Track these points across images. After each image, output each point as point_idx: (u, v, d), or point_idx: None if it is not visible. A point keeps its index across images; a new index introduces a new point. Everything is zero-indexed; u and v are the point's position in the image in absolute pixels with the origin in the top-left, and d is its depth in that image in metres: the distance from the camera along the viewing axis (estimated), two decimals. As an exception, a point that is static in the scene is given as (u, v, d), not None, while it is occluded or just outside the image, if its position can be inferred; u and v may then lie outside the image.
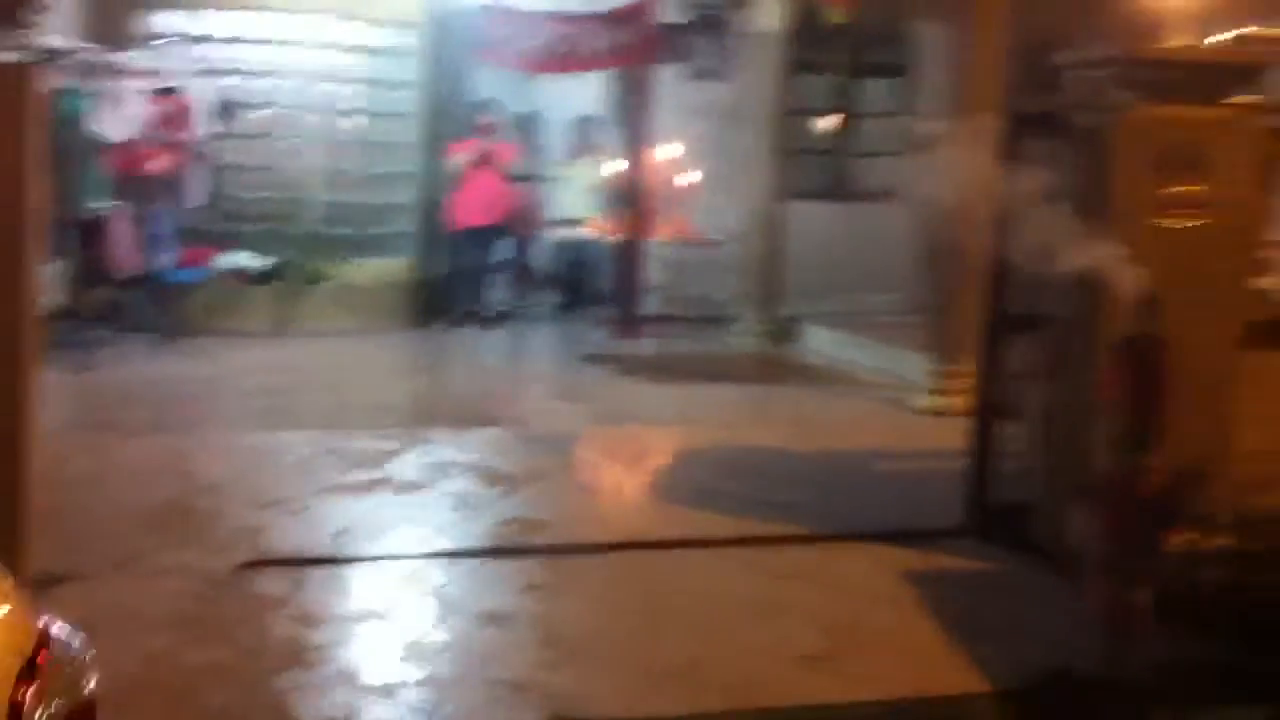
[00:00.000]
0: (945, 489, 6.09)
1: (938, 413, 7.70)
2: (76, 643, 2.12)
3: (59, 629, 2.08)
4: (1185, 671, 3.97)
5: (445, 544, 5.22)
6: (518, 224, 11.70)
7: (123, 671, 3.61)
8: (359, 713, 3.74)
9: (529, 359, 10.52)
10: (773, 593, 4.88)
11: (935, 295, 8.14)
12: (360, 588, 4.73)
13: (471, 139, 11.20)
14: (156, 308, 9.52)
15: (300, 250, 10.46)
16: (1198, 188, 5.03)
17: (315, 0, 10.50)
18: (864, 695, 4.16)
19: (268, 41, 10.56)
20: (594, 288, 12.40)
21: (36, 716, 1.86)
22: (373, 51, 10.98)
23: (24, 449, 4.26)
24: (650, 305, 10.18)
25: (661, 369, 9.16)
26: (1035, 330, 5.47)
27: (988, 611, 4.80)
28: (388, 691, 3.88)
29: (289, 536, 5.16)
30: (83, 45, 9.18)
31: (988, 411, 5.60)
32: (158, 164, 9.23)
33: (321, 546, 5.08)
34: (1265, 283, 5.33)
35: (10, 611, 1.98)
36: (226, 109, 9.98)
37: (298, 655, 4.06)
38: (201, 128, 9.65)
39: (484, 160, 11.01)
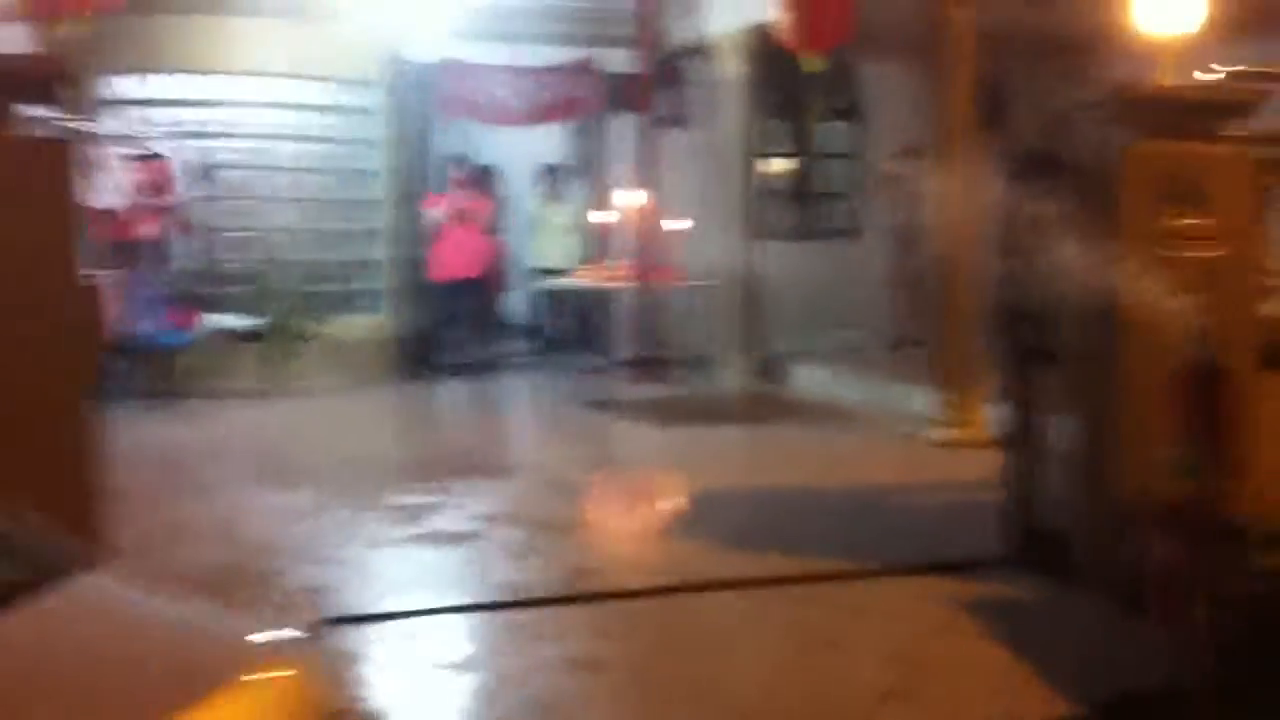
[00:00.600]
0: (975, 519, 6.27)
1: (945, 444, 7.90)
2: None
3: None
4: (1261, 689, 4.13)
5: (508, 594, 5.27)
6: (493, 275, 11.84)
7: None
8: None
9: (526, 407, 10.60)
10: (834, 628, 4.98)
11: (936, 329, 8.33)
12: (438, 641, 4.78)
13: (445, 193, 11.33)
14: (146, 372, 9.48)
15: (281, 309, 10.48)
16: (1201, 220, 5.28)
17: (279, 63, 10.57)
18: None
19: (236, 104, 10.61)
20: (574, 334, 12.56)
21: None
22: (339, 110, 11.08)
23: (97, 521, 4.28)
24: (639, 349, 10.28)
25: (660, 412, 9.28)
26: (1058, 361, 5.67)
27: (1047, 637, 4.94)
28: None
29: (353, 593, 5.20)
30: (64, 114, 9.13)
31: (1019, 442, 5.77)
32: (145, 229, 9.21)
33: (387, 601, 5.11)
34: (1269, 308, 5.58)
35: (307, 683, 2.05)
36: (204, 171, 9.98)
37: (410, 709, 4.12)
38: (183, 191, 9.63)
39: (460, 214, 11.13)
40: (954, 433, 8.03)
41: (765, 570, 5.62)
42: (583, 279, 10.84)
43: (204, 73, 10.32)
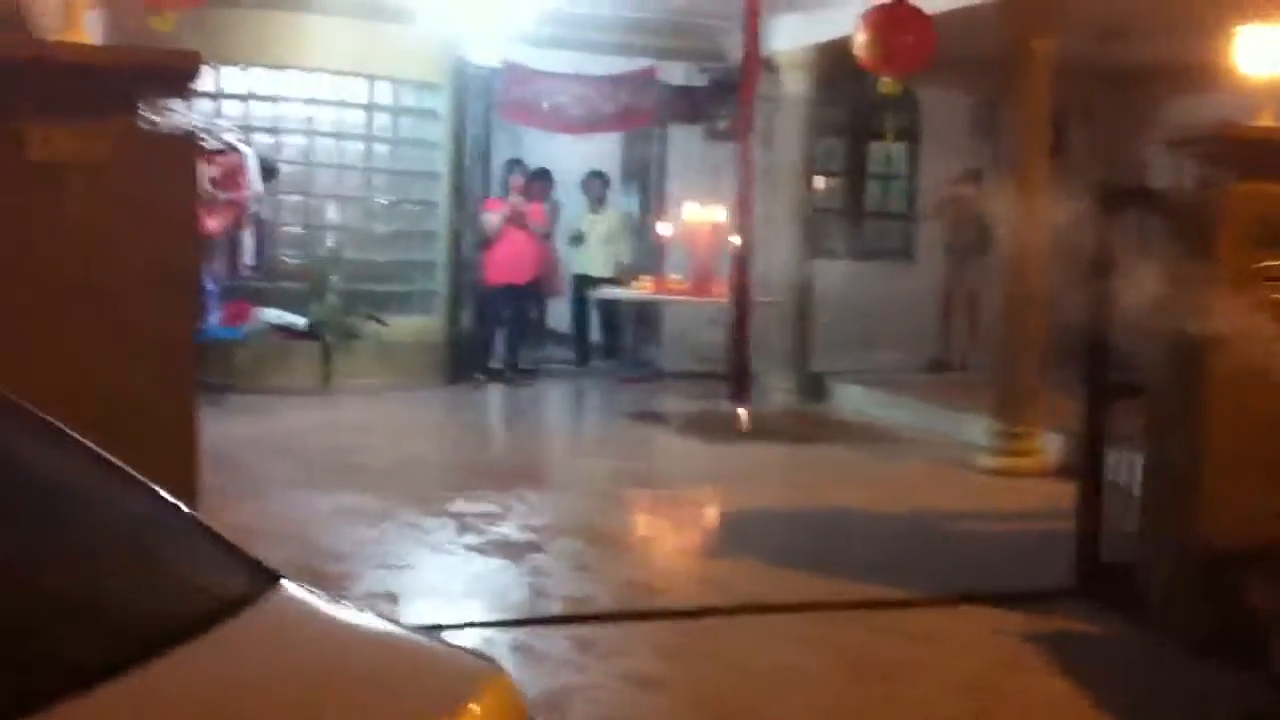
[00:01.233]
0: (1039, 550, 6.26)
1: (1001, 473, 7.86)
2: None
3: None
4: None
5: (570, 607, 5.26)
6: (545, 281, 11.86)
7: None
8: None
9: (574, 417, 10.61)
10: (905, 655, 4.96)
11: (997, 356, 8.29)
12: (504, 653, 4.77)
13: (503, 198, 11.36)
14: (201, 366, 9.49)
15: (336, 307, 10.53)
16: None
17: (345, 61, 10.62)
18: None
19: (303, 100, 10.68)
20: (620, 344, 12.57)
21: None
22: (403, 111, 11.14)
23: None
24: (686, 362, 10.27)
25: (707, 427, 9.26)
26: (1138, 396, 5.64)
27: (1118, 675, 4.90)
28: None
29: (424, 601, 5.20)
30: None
31: (1094, 475, 5.74)
32: (217, 222, 9.26)
33: (458, 611, 5.12)
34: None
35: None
36: (269, 167, 10.04)
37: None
38: (253, 185, 9.68)
39: (516, 219, 11.15)
40: (1011, 461, 7.98)
41: (826, 593, 5.60)
42: (631, 289, 10.82)
43: (274, 67, 10.38)
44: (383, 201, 11.12)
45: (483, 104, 11.67)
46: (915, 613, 5.43)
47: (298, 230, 10.81)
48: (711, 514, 7.03)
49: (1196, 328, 5.14)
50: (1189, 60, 10.50)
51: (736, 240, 9.17)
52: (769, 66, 10.88)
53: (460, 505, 6.62)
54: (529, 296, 11.58)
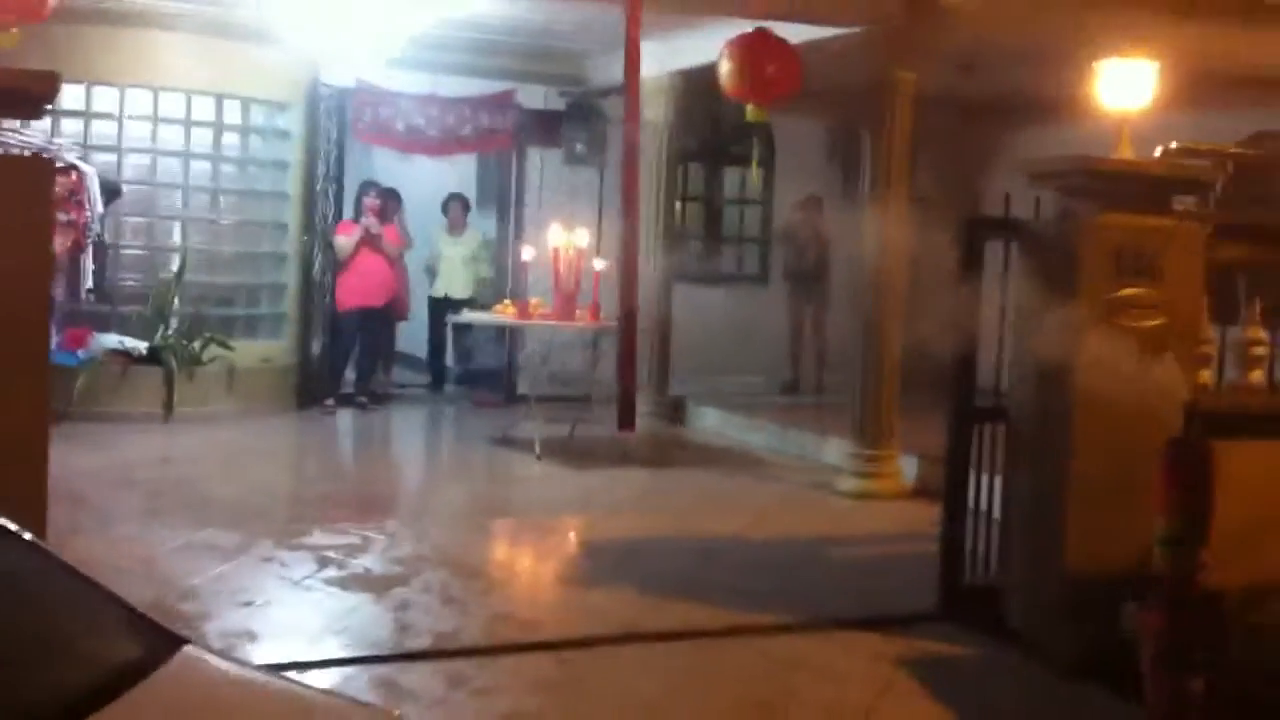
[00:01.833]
0: (900, 572, 6.32)
1: (863, 495, 7.94)
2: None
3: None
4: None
5: (445, 642, 5.10)
6: (397, 305, 11.64)
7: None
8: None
9: (430, 443, 10.40)
10: (782, 684, 4.94)
11: (853, 380, 8.37)
12: (370, 690, 4.59)
13: (356, 220, 11.12)
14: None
15: (179, 332, 10.15)
16: (1151, 290, 5.40)
17: (192, 79, 10.27)
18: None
19: (146, 119, 10.29)
20: (474, 368, 12.40)
21: None
22: (251, 131, 10.82)
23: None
24: (541, 386, 10.15)
25: (567, 452, 9.17)
26: (1000, 421, 5.74)
27: (989, 696, 4.97)
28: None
29: (283, 639, 4.98)
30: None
31: (957, 499, 5.81)
32: (55, 244, 8.79)
33: (320, 648, 4.92)
34: (1204, 376, 5.72)
35: None
36: (111, 187, 9.62)
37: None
38: (93, 206, 9.26)
39: (371, 242, 10.92)
40: (869, 484, 8.07)
41: (701, 621, 5.55)
42: (487, 313, 10.68)
43: (116, 85, 9.97)
44: (230, 222, 10.76)
45: (336, 124, 11.42)
46: (789, 639, 5.42)
47: (140, 252, 10.40)
48: (580, 542, 6.93)
49: (1060, 355, 5.26)
50: (1034, 93, 10.85)
51: (600, 264, 9.11)
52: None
53: (318, 538, 6.39)
54: (382, 320, 11.34)
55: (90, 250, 9.27)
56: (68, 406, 9.09)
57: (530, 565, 6.50)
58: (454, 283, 11.95)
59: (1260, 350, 5.71)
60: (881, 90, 7.99)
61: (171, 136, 10.41)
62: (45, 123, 9.54)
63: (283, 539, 6.29)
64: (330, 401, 10.74)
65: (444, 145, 11.90)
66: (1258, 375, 5.72)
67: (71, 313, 9.63)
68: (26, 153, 4.31)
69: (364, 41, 10.00)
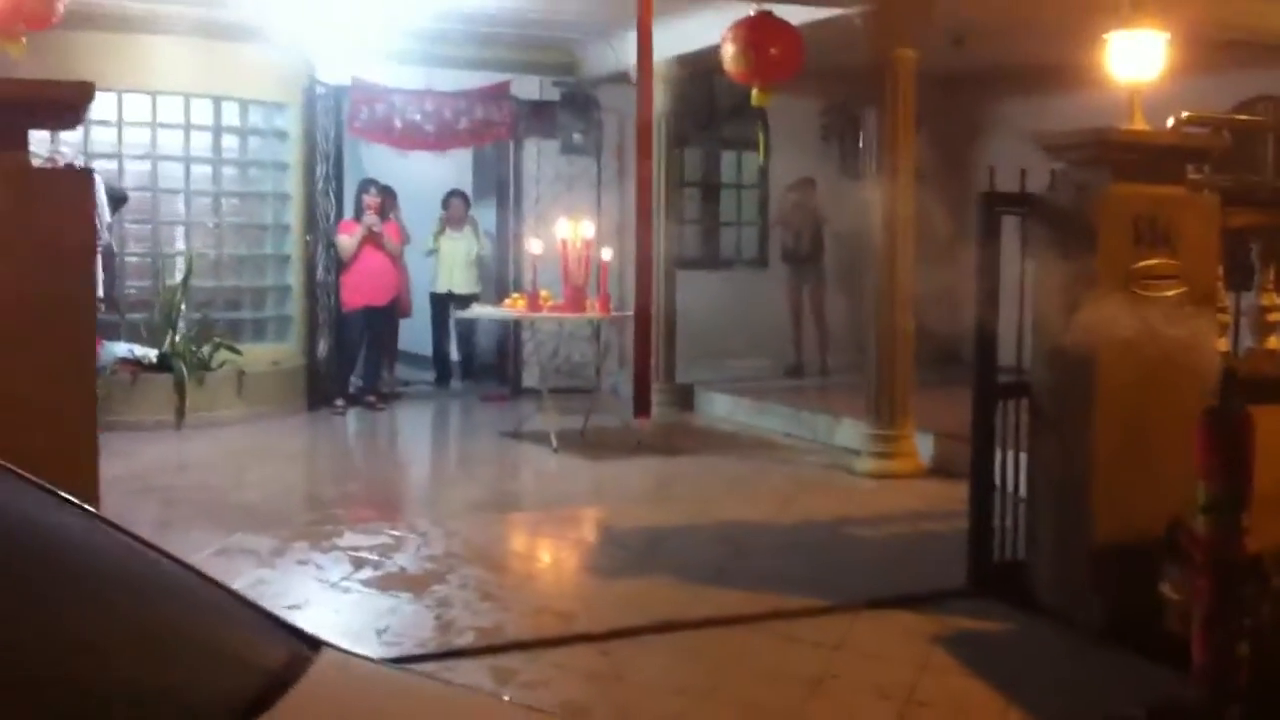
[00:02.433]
0: (931, 550, 6.39)
1: (880, 475, 8.00)
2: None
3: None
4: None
5: (488, 638, 5.15)
6: (401, 302, 11.66)
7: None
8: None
9: (450, 439, 10.44)
10: (822, 665, 4.99)
11: (867, 359, 8.42)
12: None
13: (357, 219, 11.12)
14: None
15: (186, 337, 10.17)
16: (1169, 259, 5.46)
17: (189, 82, 10.27)
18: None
19: (145, 124, 10.28)
20: (480, 363, 12.44)
21: None
22: (249, 132, 10.82)
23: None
24: (549, 378, 10.19)
25: (580, 443, 9.21)
26: (1024, 397, 5.79)
27: (1025, 669, 5.02)
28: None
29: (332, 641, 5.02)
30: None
31: (983, 475, 5.87)
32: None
33: (366, 649, 4.95)
34: (1221, 344, 5.79)
35: None
36: (117, 195, 9.62)
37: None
38: (101, 215, 9.24)
39: (373, 240, 10.94)
40: (886, 464, 8.12)
41: (731, 607, 5.59)
42: (491, 307, 10.72)
43: (114, 91, 9.95)
44: (232, 225, 10.77)
45: (333, 123, 11.43)
46: (826, 620, 5.47)
47: (145, 259, 10.41)
48: (606, 533, 6.97)
49: (1081, 327, 5.31)
50: (1026, 64, 10.92)
51: (608, 254, 9.14)
52: (625, 80, 10.90)
53: (350, 539, 6.43)
54: (387, 318, 11.36)
55: (100, 259, 9.24)
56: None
57: (561, 558, 6.55)
58: (455, 278, 11.98)
59: (1276, 316, 5.79)
60: (883, 68, 8.02)
61: (171, 141, 10.41)
62: (46, 131, 9.57)
63: (316, 541, 6.33)
64: (340, 402, 10.77)
65: (441, 140, 11.91)
66: (1274, 341, 5.80)
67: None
68: (73, 168, 4.33)
69: (357, 38, 10.04)
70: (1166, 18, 5.69)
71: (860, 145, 12.43)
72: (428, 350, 12.51)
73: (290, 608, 5.34)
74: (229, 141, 10.68)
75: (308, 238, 11.01)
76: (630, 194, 11.14)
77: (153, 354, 9.92)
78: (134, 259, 10.43)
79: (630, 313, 8.99)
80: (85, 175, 4.15)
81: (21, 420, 3.75)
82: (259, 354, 10.51)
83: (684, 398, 11.08)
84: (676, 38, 9.64)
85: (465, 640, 5.11)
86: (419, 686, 2.26)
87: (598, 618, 5.44)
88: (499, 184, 12.77)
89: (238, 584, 5.58)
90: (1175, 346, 4.84)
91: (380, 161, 12.81)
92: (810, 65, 8.24)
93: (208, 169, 10.61)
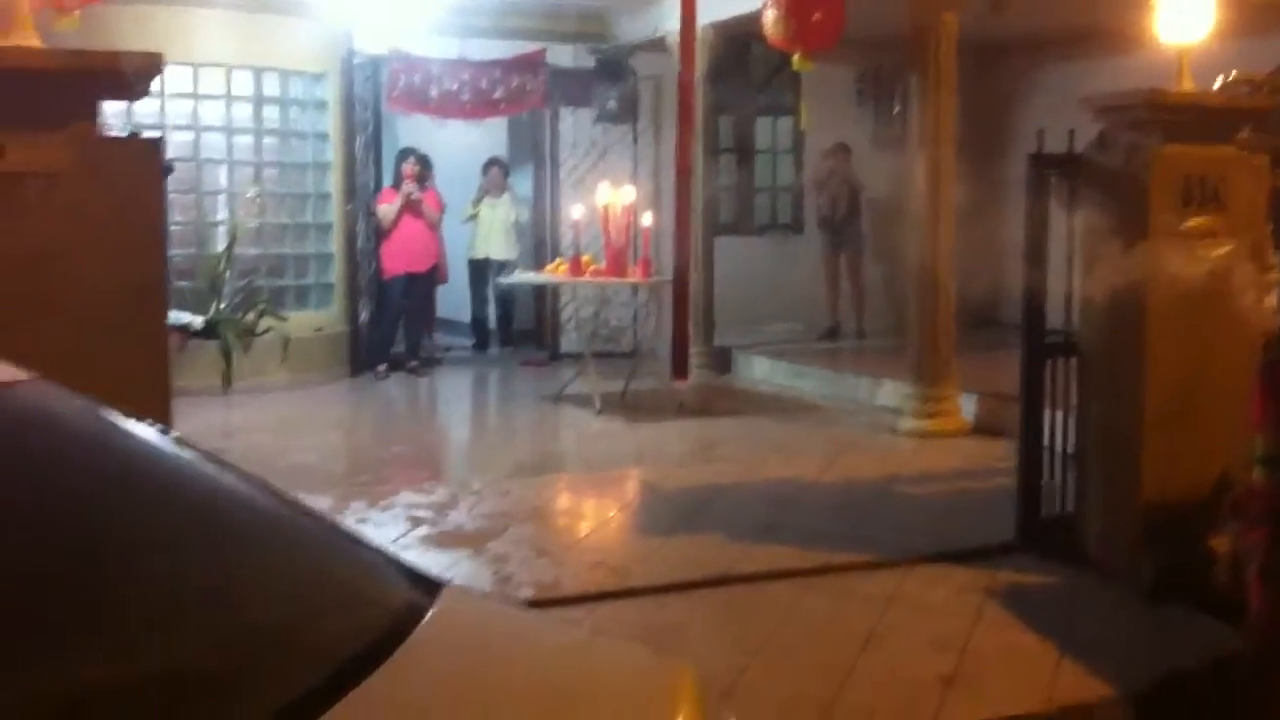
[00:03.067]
0: (979, 507, 6.46)
1: (924, 435, 8.07)
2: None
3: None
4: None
5: (547, 593, 5.26)
6: (440, 269, 11.77)
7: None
8: None
9: (494, 402, 10.55)
10: (880, 619, 5.07)
11: (909, 320, 8.48)
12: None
13: (396, 187, 11.22)
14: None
15: (233, 305, 10.31)
16: (1218, 219, 5.50)
17: (230, 53, 10.37)
18: (1010, 710, 4.39)
19: (188, 95, 10.38)
20: (519, 328, 12.55)
21: None
22: (290, 103, 10.91)
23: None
24: (586, 343, 10.28)
25: (622, 406, 9.31)
26: (1074, 354, 5.85)
27: (1076, 623, 5.09)
28: None
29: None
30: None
31: (1033, 432, 5.93)
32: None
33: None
34: (1269, 301, 5.83)
35: None
36: (165, 165, 9.71)
37: None
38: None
39: (412, 208, 11.04)
40: (930, 423, 8.19)
41: (783, 563, 5.68)
42: (531, 273, 10.82)
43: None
44: (275, 195, 10.88)
45: (371, 93, 11.51)
46: (877, 575, 5.55)
47: (188, 227, 10.53)
48: (653, 492, 7.05)
49: (1131, 286, 5.37)
50: (1062, 29, 10.91)
51: (649, 220, 9.22)
52: (660, 47, 10.94)
53: (406, 497, 6.55)
54: (427, 284, 11.48)
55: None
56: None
57: (611, 516, 6.64)
58: (494, 245, 12.08)
59: (1325, 274, 5.82)
60: (924, 33, 8.05)
61: (212, 112, 10.51)
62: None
63: (372, 500, 6.46)
64: (383, 367, 10.90)
65: (477, 109, 11.97)
66: (1322, 299, 5.83)
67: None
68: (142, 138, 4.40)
69: (395, 9, 10.12)
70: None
71: (895, 110, 12.44)
72: (465, 316, 12.62)
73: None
74: (269, 112, 10.77)
75: (348, 207, 11.11)
76: (665, 160, 11.23)
77: (199, 321, 10.06)
78: (177, 228, 10.53)
79: (669, 278, 9.11)
80: (155, 144, 4.22)
81: (100, 388, 3.84)
82: (302, 321, 10.64)
83: (722, 361, 11.16)
84: (714, 3, 9.68)
85: (524, 594, 5.21)
86: (545, 624, 2.33)
87: (652, 572, 5.54)
88: (535, 152, 12.85)
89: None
90: (1225, 303, 4.89)
91: (417, 131, 12.88)
92: (847, 30, 8.28)
93: (250, 139, 10.72)
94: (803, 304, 12.20)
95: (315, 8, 9.91)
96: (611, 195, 9.12)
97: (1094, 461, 5.71)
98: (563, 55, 12.27)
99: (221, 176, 10.66)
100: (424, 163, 11.72)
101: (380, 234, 11.15)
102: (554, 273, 9.83)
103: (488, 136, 12.92)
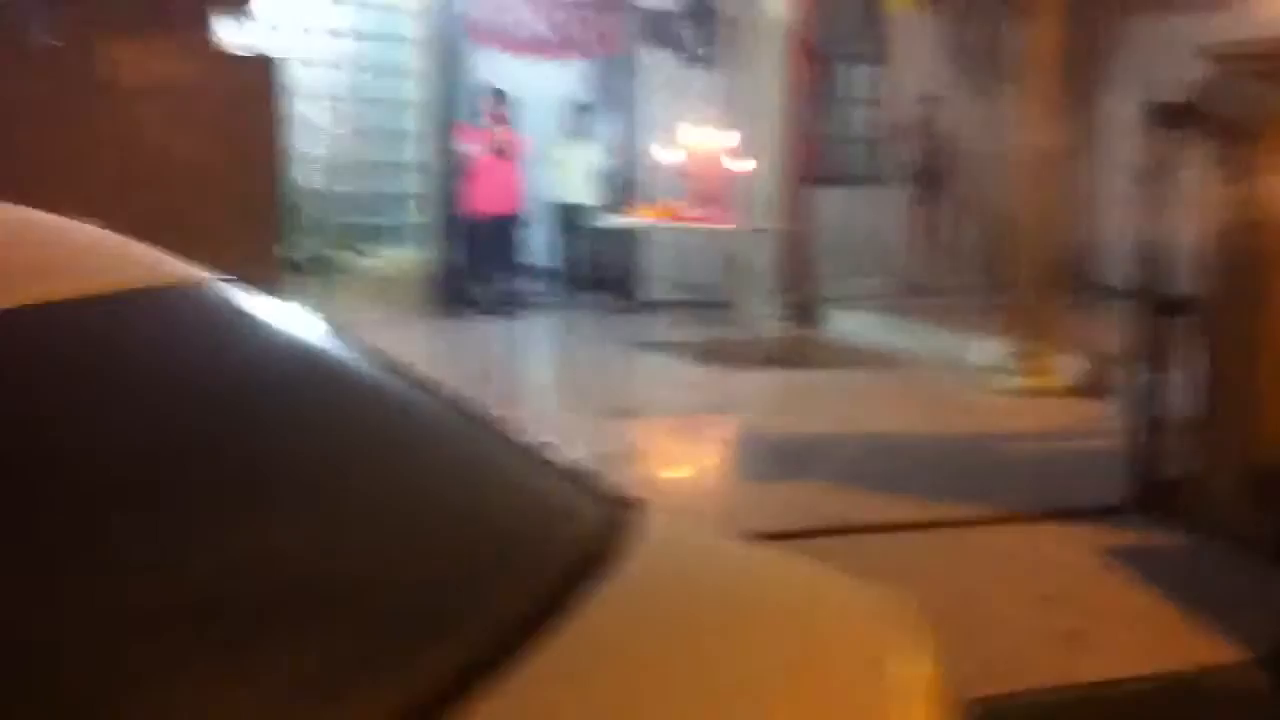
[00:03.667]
0: (1088, 467, 6.39)
1: (1025, 393, 7.99)
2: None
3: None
4: None
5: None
6: (523, 211, 11.72)
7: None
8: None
9: (587, 347, 10.53)
10: (997, 574, 5.04)
11: (1009, 277, 8.39)
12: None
13: (479, 126, 11.16)
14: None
15: (316, 242, 10.35)
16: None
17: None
18: (1133, 670, 4.35)
19: (269, 29, 10.37)
20: (602, 273, 12.48)
21: None
22: (373, 37, 10.86)
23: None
24: (672, 290, 10.25)
25: (723, 355, 9.28)
26: (1189, 312, 5.75)
27: (1198, 582, 5.03)
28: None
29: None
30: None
31: (1143, 392, 5.86)
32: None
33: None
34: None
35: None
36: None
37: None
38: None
39: (497, 149, 10.99)
40: (1031, 381, 8.10)
41: (895, 515, 5.66)
42: (616, 217, 10.75)
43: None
44: (356, 132, 10.88)
45: (453, 28, 11.42)
46: (991, 530, 5.52)
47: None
48: (759, 440, 7.03)
49: (1255, 241, 5.27)
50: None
51: (747, 165, 9.13)
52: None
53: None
54: (509, 227, 11.44)
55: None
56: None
57: (717, 461, 6.64)
58: (577, 189, 12.00)
59: None
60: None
61: (291, 46, 10.47)
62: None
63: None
64: (466, 308, 10.90)
65: (559, 48, 11.85)
66: None
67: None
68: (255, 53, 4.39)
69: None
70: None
71: (991, 61, 12.23)
72: (544, 260, 12.57)
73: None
74: (350, 46, 10.73)
75: (435, 145, 11.09)
76: (748, 104, 11.11)
77: (290, 255, 10.11)
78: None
79: (764, 227, 9.04)
80: (267, 61, 4.21)
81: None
82: (393, 258, 10.68)
83: (809, 313, 11.07)
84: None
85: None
86: (756, 550, 2.28)
87: (766, 518, 5.53)
88: (619, 95, 12.72)
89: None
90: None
91: (501, 71, 12.79)
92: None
93: (329, 74, 10.69)
94: (891, 257, 12.07)
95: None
96: (703, 140, 9.02)
97: (1211, 422, 5.63)
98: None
99: (303, 112, 10.63)
100: (506, 102, 11.67)
101: (465, 173, 11.10)
102: (645, 216, 9.77)
103: (572, 78, 12.80)
